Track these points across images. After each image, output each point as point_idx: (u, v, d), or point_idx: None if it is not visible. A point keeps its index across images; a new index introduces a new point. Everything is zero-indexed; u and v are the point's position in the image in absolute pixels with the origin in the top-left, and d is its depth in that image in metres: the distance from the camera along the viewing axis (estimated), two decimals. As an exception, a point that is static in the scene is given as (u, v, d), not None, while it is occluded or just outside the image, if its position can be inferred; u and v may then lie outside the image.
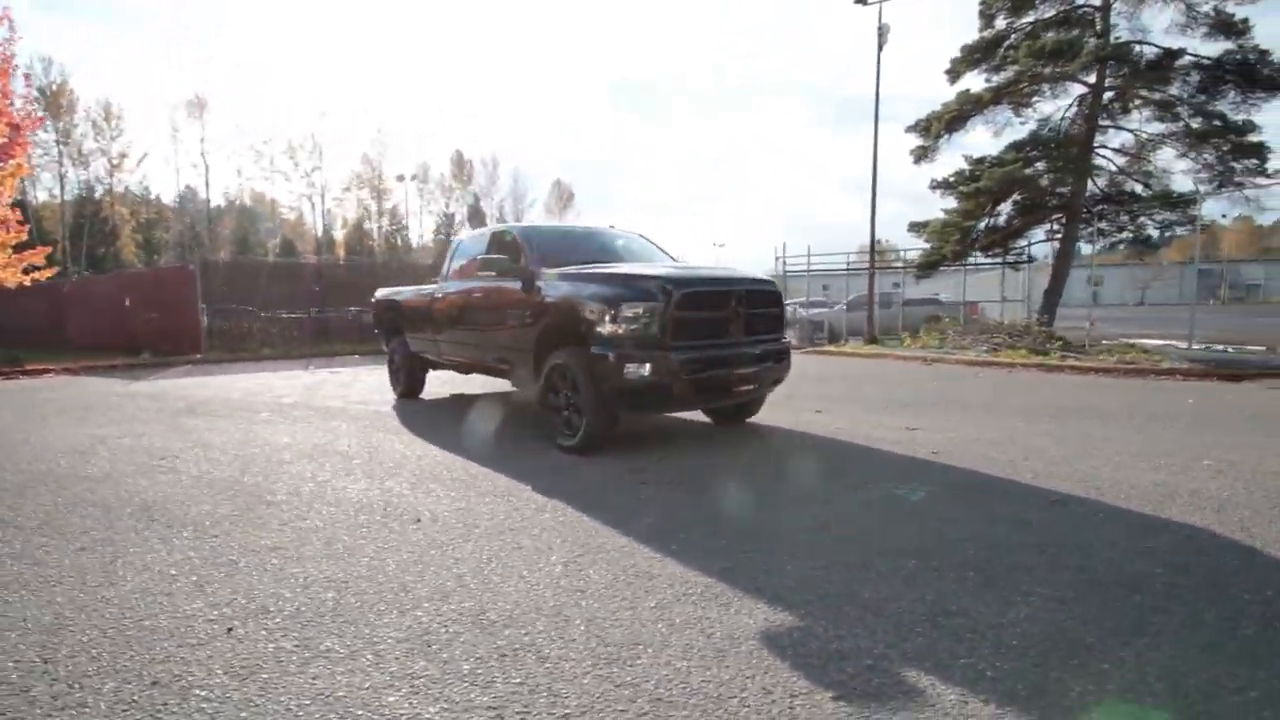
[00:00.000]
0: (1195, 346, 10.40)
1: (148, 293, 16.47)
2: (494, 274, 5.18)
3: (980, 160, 12.08)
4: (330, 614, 2.27)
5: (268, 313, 16.66)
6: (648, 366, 4.15)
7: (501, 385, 8.02)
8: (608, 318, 4.25)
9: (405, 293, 7.65)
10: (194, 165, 47.31)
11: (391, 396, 7.78)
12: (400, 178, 51.81)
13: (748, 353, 4.56)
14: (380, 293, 8.43)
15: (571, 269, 5.02)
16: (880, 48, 16.13)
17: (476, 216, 63.85)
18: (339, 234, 57.85)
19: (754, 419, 5.71)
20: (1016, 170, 11.36)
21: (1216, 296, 48.74)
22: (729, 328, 4.50)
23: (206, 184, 48.24)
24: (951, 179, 12.51)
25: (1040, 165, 12.05)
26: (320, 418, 6.46)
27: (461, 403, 7.41)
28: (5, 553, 2.93)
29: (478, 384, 8.74)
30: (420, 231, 59.87)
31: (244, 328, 16.57)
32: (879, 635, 2.08)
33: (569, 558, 2.75)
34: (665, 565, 2.65)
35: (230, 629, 2.17)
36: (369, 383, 9.35)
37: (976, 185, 11.41)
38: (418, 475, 4.09)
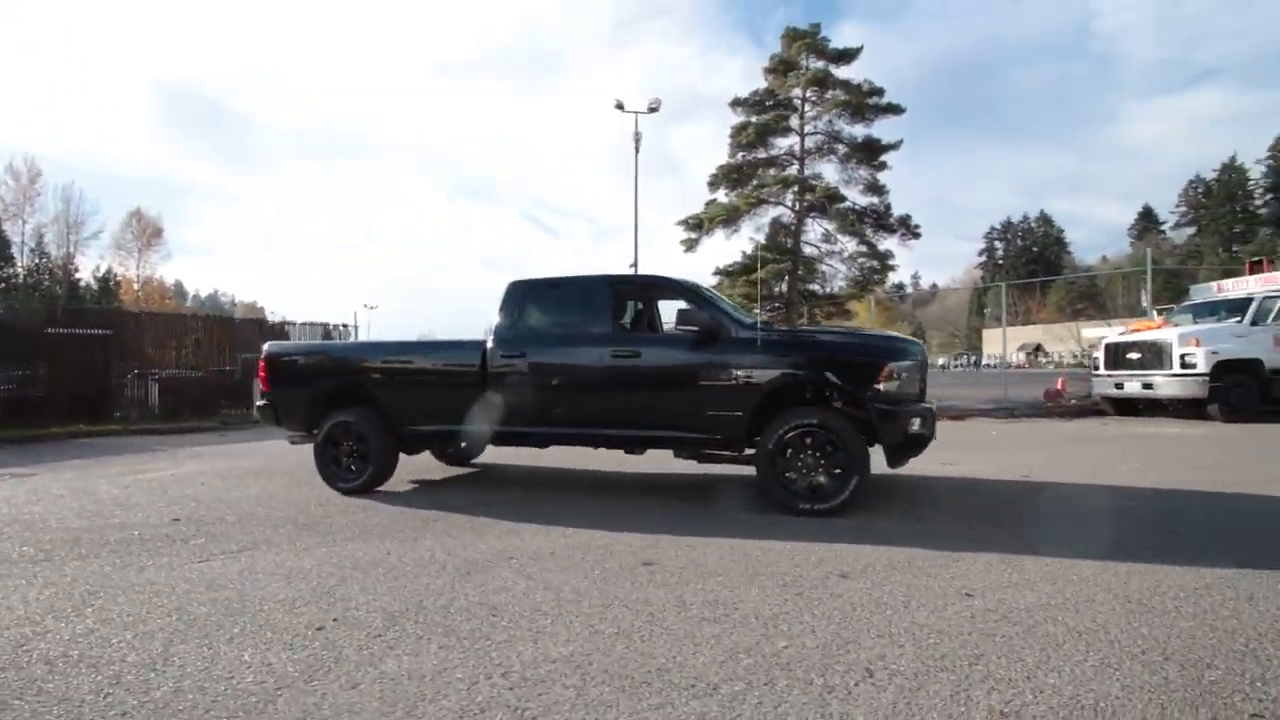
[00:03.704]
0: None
1: None
2: (696, 328, 4.57)
3: (752, 256, 15.23)
4: None
5: None
6: (919, 420, 4.43)
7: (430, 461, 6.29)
8: (884, 376, 4.37)
9: (387, 348, 5.67)
10: None
11: (314, 493, 5.44)
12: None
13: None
14: (291, 348, 5.96)
15: (785, 328, 4.84)
16: (636, 151, 18.61)
17: (-6, 244, 44.35)
18: None
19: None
20: (784, 267, 14.69)
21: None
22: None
23: None
24: (734, 268, 15.37)
25: (781, 264, 15.78)
26: (295, 541, 4.26)
27: (463, 487, 5.71)
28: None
29: (423, 465, 6.73)
30: None
31: None
32: None
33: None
34: (1177, 575, 3.15)
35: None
36: (191, 483, 6.21)
37: (759, 274, 14.33)
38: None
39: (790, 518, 4.35)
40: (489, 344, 5.21)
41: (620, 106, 18.78)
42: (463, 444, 6.11)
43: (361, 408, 5.53)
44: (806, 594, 3.00)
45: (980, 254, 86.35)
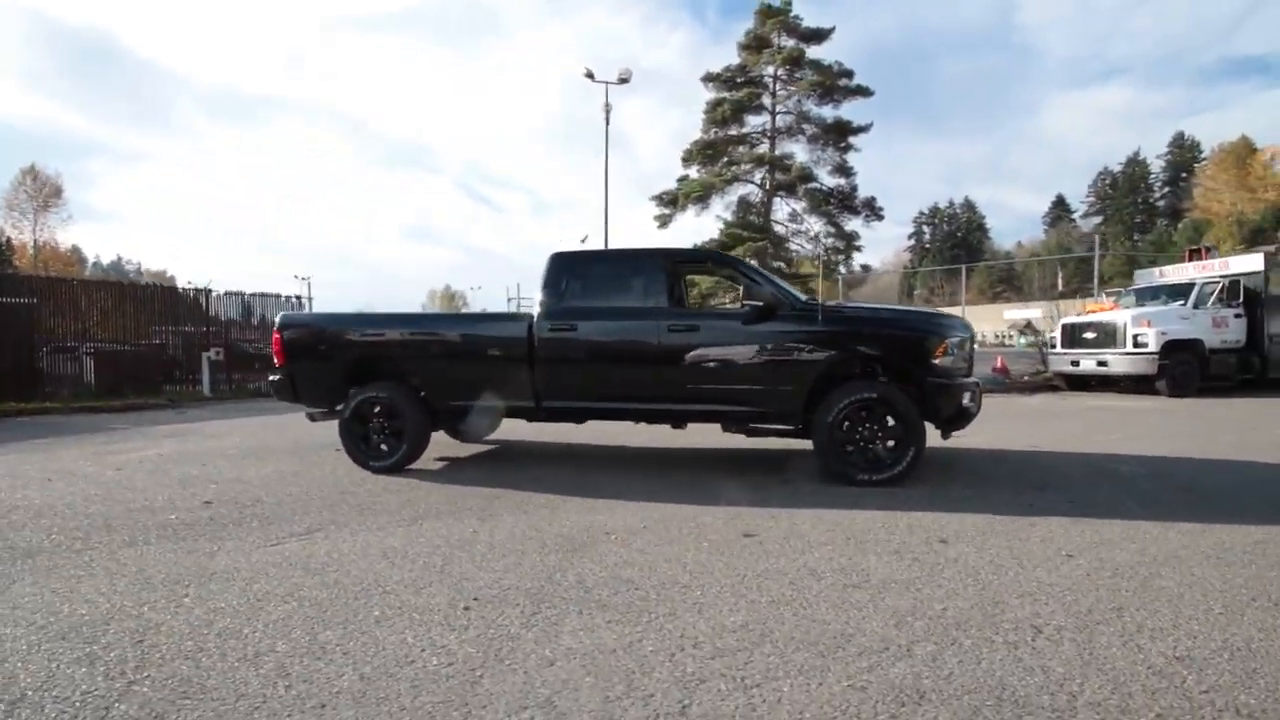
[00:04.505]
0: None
1: None
2: (760, 304, 4.60)
3: (728, 233, 15.34)
4: None
5: None
6: (969, 395, 4.65)
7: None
8: (940, 351, 4.55)
9: (423, 320, 5.45)
10: None
11: (341, 471, 5.21)
12: None
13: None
14: (313, 319, 5.62)
15: (840, 304, 4.93)
16: (607, 122, 18.27)
17: None
18: None
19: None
20: (760, 245, 14.89)
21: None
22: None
23: None
24: (710, 246, 15.44)
25: (758, 242, 15.99)
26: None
27: (498, 464, 5.57)
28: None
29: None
30: None
31: None
32: None
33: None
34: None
35: None
36: (206, 462, 5.80)
37: (737, 252, 14.46)
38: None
39: (853, 489, 4.48)
40: (536, 317, 5.08)
41: (590, 75, 18.33)
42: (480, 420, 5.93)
43: (392, 382, 5.29)
44: (922, 560, 3.13)
45: (909, 237, 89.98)
